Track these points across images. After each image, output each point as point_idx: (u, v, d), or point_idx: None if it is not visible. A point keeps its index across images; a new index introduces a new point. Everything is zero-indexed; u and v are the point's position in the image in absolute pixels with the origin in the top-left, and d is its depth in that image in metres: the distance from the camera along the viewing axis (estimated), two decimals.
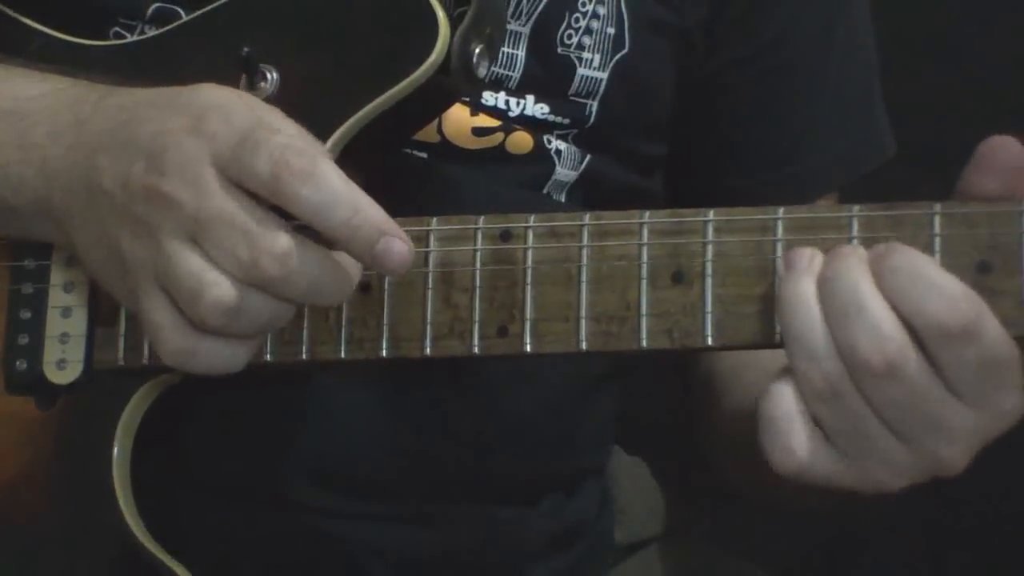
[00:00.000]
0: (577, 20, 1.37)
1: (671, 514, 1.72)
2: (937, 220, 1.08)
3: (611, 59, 1.38)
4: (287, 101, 1.25)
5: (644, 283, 1.13)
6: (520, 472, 1.41)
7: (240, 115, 1.13)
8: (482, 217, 1.18)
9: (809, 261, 1.08)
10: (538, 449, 1.41)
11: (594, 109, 1.39)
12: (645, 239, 1.14)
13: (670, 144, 1.46)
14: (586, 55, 1.38)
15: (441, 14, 1.23)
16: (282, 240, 1.10)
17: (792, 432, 1.09)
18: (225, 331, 1.12)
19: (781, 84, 1.45)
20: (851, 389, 1.07)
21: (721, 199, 1.43)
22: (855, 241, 1.10)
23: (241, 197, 1.11)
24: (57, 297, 1.26)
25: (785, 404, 1.09)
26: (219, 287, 1.09)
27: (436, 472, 1.38)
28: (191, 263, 1.10)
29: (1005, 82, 2.09)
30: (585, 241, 1.15)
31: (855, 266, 1.07)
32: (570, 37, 1.37)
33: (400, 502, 1.38)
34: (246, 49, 1.25)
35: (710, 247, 1.13)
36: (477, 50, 1.25)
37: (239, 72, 1.26)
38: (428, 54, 1.23)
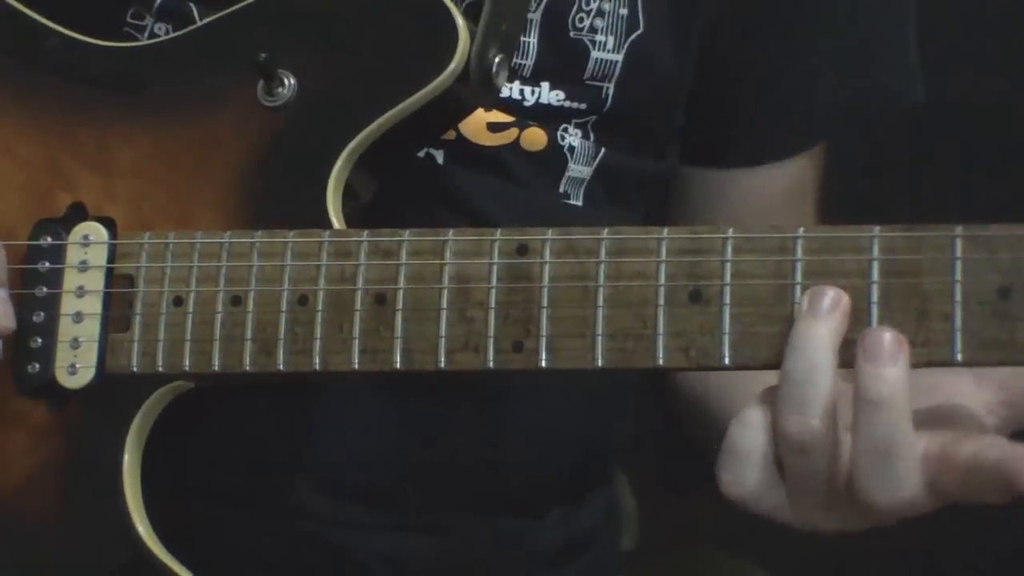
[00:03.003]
0: (588, 3, 1.36)
1: (642, 524, 1.72)
2: (959, 243, 1.07)
3: (625, 40, 1.37)
4: (304, 108, 1.25)
5: (661, 301, 1.13)
6: (530, 483, 1.40)
7: None
8: (498, 230, 1.17)
9: (832, 305, 1.07)
10: (549, 460, 1.40)
11: (611, 92, 1.37)
12: (663, 256, 1.13)
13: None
14: (599, 38, 1.36)
15: (461, 22, 1.22)
16: None
17: (748, 467, 1.09)
18: None
19: (786, 33, 1.43)
20: (826, 449, 1.07)
21: (727, 149, 1.46)
22: (875, 263, 1.09)
23: None
24: (69, 302, 1.25)
25: (751, 438, 1.09)
26: None
27: (445, 482, 1.38)
28: None
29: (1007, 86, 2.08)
30: (603, 257, 1.14)
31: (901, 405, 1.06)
32: (582, 20, 1.36)
33: (409, 512, 1.38)
34: (263, 55, 1.24)
35: (728, 266, 1.12)
36: (497, 59, 1.24)
37: (256, 78, 1.25)
38: (447, 63, 1.22)
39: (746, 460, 1.09)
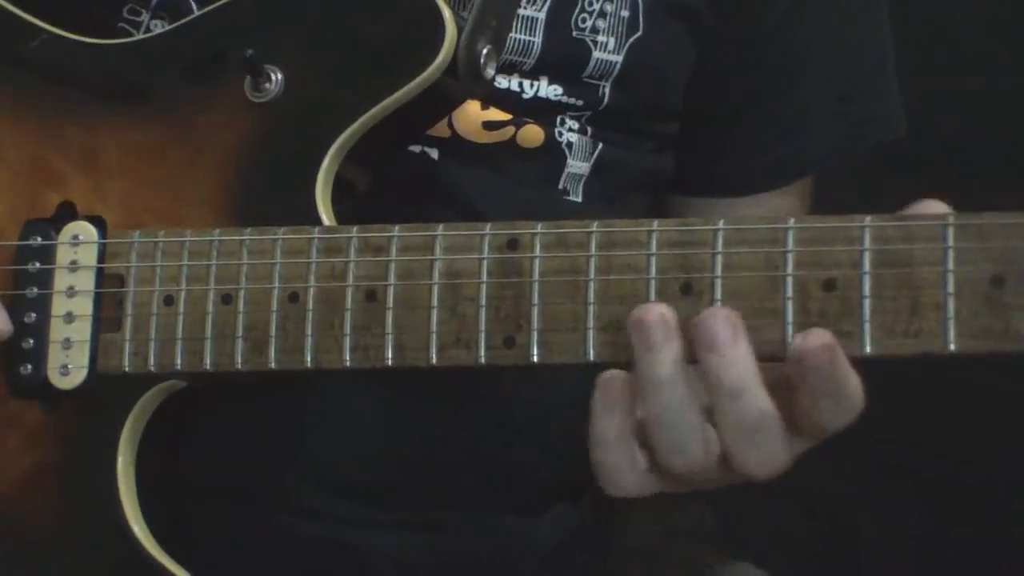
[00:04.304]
0: (591, 3, 1.37)
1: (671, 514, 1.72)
2: (951, 232, 1.06)
3: (626, 42, 1.37)
4: (292, 103, 1.25)
5: (652, 294, 1.12)
6: (530, 480, 1.40)
7: None
8: (488, 225, 1.16)
9: (664, 337, 1.07)
10: (548, 457, 1.40)
11: (607, 91, 1.38)
12: (654, 249, 1.13)
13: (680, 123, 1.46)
14: (601, 38, 1.37)
15: (448, 14, 1.22)
16: None
17: (621, 474, 1.11)
18: None
19: (781, 66, 1.44)
20: (711, 464, 1.08)
21: (718, 179, 1.47)
22: (867, 253, 1.08)
23: None
24: (60, 303, 1.25)
25: (613, 454, 1.10)
26: None
27: (445, 480, 1.37)
28: None
29: (1004, 85, 2.08)
30: (593, 250, 1.14)
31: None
32: (584, 20, 1.36)
33: (409, 509, 1.38)
34: (250, 50, 1.24)
35: (719, 258, 1.11)
36: (485, 51, 1.24)
37: (243, 73, 1.25)
38: (435, 56, 1.22)
39: (618, 470, 1.11)
